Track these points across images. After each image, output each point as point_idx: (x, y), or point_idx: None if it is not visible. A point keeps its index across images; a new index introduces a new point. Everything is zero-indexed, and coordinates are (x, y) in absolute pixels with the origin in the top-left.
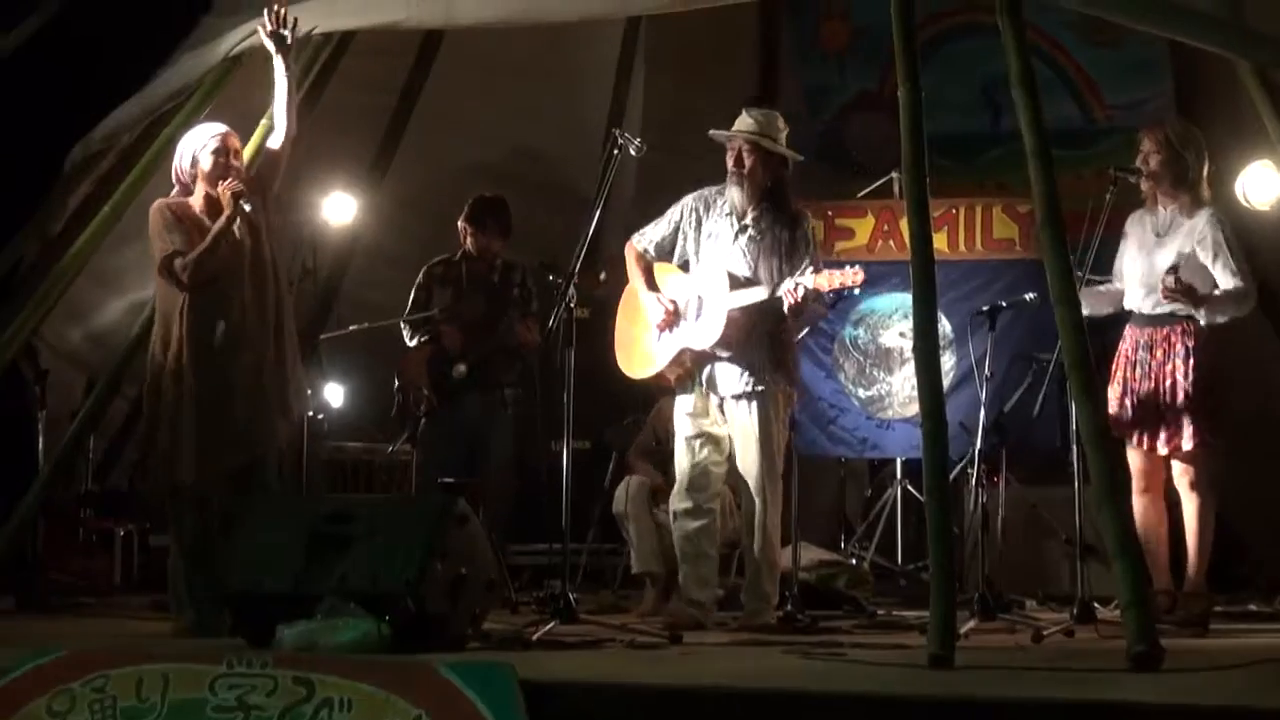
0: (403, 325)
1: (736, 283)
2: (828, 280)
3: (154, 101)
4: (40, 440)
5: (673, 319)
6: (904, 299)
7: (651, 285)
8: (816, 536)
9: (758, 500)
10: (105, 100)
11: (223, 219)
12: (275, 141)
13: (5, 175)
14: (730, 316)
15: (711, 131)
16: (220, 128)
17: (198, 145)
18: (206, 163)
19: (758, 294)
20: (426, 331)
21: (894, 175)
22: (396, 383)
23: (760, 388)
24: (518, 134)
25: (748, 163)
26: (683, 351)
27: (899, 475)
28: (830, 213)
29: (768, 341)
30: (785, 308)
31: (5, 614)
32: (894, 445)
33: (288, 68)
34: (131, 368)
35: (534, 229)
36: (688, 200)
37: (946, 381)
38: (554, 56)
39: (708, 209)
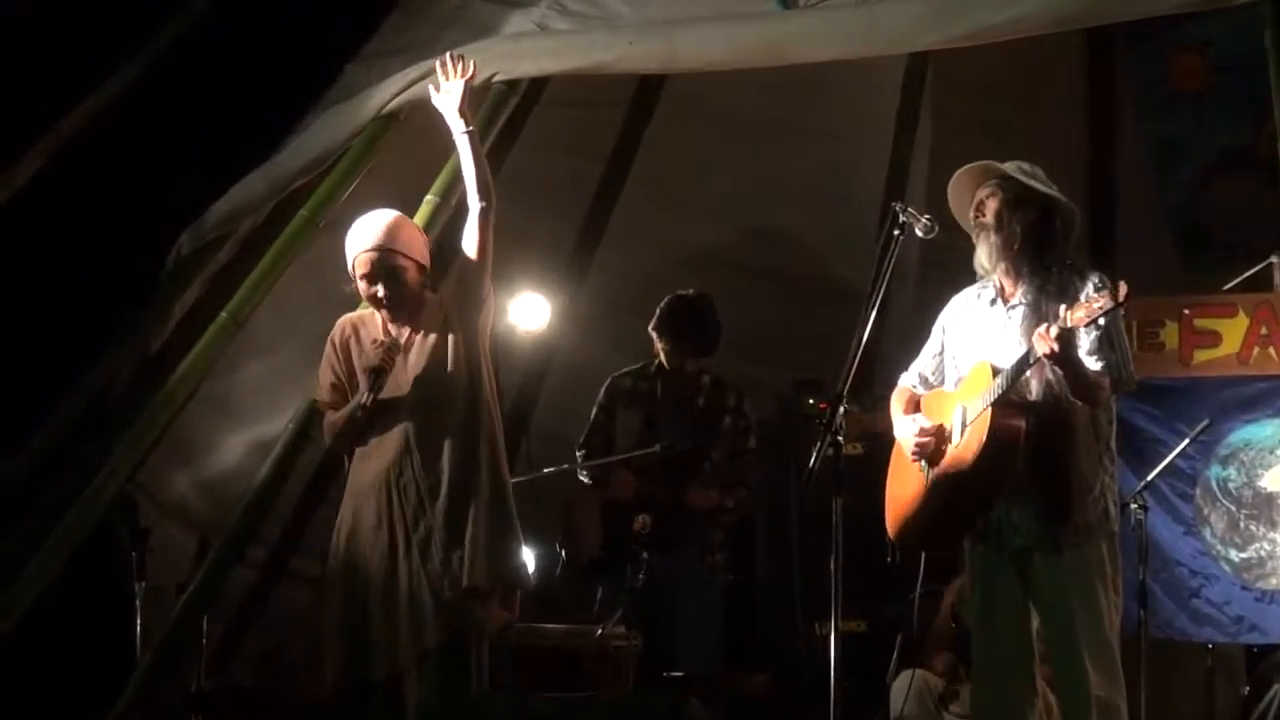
0: (577, 454)
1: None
2: (1085, 309)
3: (285, 175)
4: (138, 621)
5: (930, 441)
6: None
7: (910, 413)
8: None
9: (1090, 702)
10: (220, 174)
11: (356, 396)
12: (470, 237)
13: (92, 273)
14: (997, 422)
15: (897, 207)
16: (384, 220)
17: (351, 248)
18: (359, 279)
19: (1014, 368)
20: (596, 473)
21: (1274, 260)
22: (560, 536)
23: (1069, 532)
24: (763, 210)
25: (990, 208)
26: (953, 489)
27: None
28: (1186, 311)
29: (1070, 460)
30: (1058, 371)
31: None
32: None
33: (468, 126)
34: (257, 524)
35: (785, 335)
36: (947, 307)
37: None
38: (810, 109)
39: (967, 305)
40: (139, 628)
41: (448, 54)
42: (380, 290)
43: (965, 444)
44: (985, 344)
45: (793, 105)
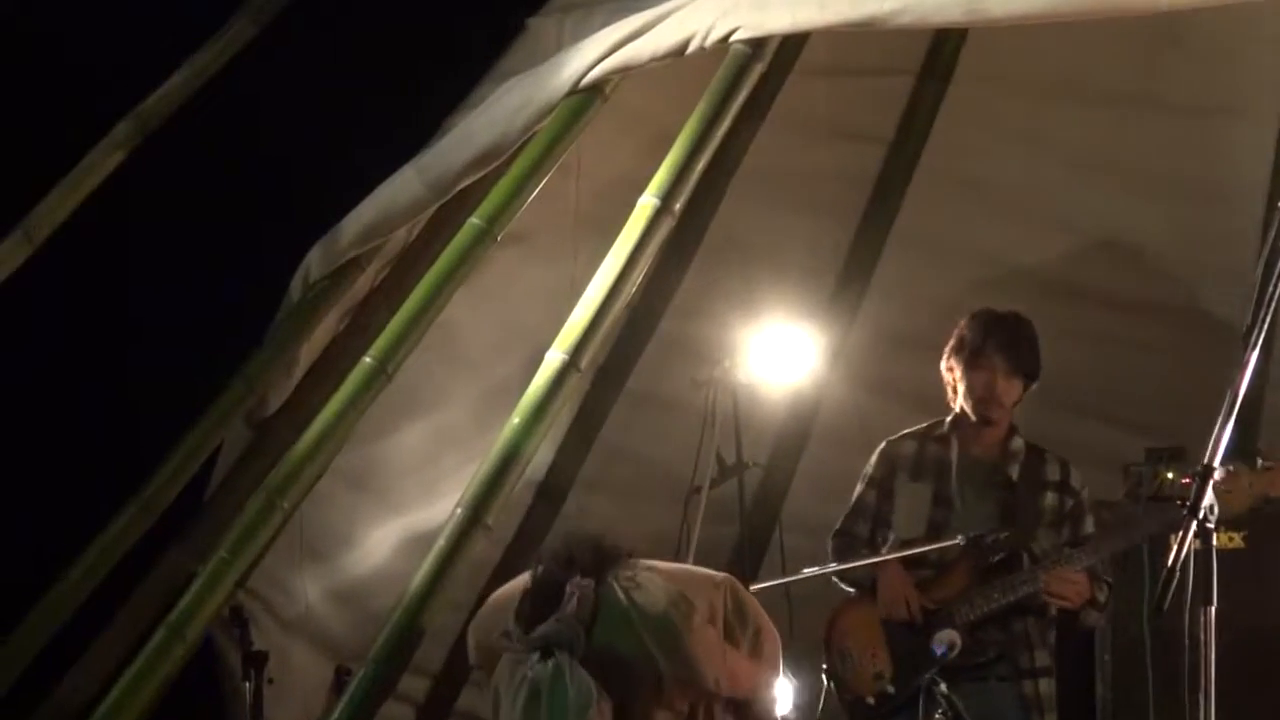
0: (829, 543)
1: None
2: None
3: (448, 171)
4: None
5: None
6: None
7: None
8: None
9: None
10: (356, 172)
11: None
12: None
13: (185, 305)
14: None
15: None
16: None
17: None
18: None
19: None
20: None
21: None
22: (823, 663)
23: None
24: (1101, 213)
25: None
26: None
27: None
28: None
29: None
30: None
31: None
32: None
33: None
34: (413, 645)
35: (1134, 387)
36: None
37: None
38: (1167, 76)
39: None
40: None
41: None
42: None
43: None
44: None
45: (1143, 70)
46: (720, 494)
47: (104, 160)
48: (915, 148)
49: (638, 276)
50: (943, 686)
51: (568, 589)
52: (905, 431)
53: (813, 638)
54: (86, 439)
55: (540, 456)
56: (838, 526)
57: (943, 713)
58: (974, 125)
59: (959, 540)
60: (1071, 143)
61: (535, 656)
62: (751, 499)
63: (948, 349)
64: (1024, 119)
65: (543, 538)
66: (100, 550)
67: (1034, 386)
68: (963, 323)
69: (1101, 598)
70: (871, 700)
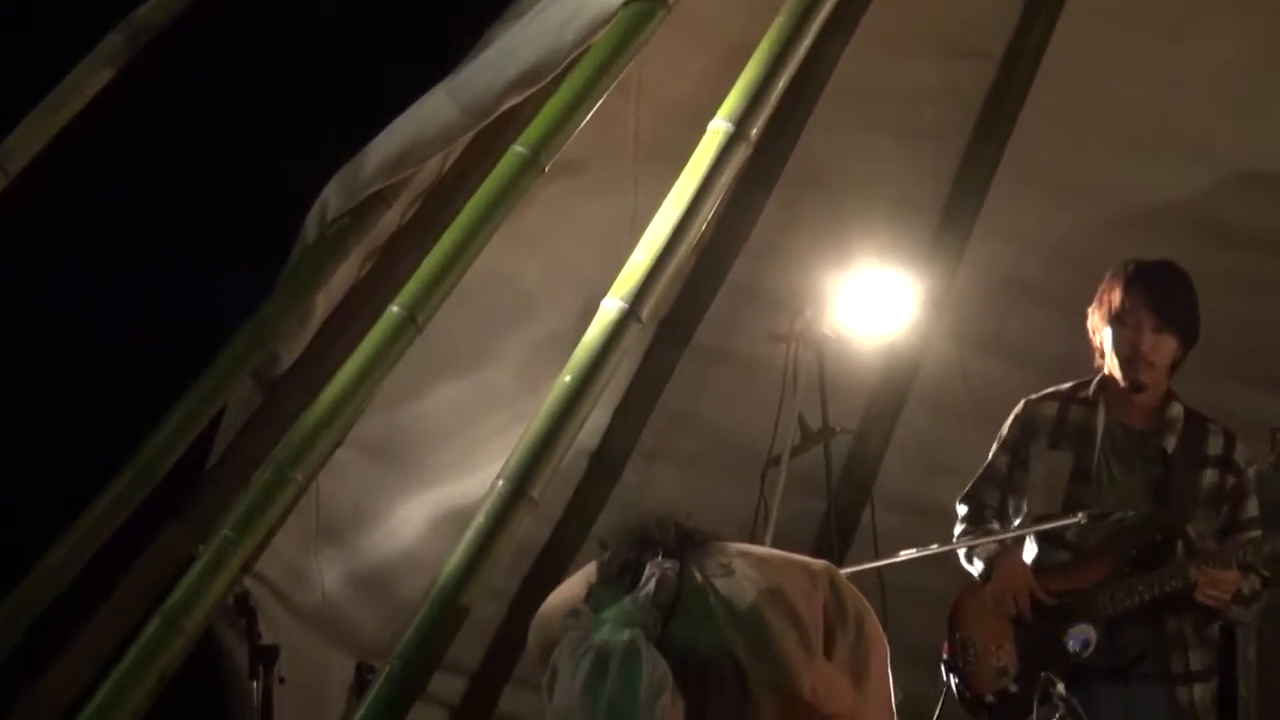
0: (959, 525)
1: None
2: None
3: (487, 91)
4: None
5: None
6: None
7: None
8: None
9: None
10: (382, 90)
11: None
12: None
13: (181, 249)
14: None
15: None
16: None
17: None
18: None
19: None
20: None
21: None
22: (945, 650)
23: None
24: (1247, 145)
25: None
26: None
27: None
28: None
29: None
30: None
31: None
32: None
33: None
34: (447, 638)
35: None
36: None
37: None
38: None
39: None
40: None
41: None
42: None
43: None
44: None
45: None
46: (802, 464)
47: (89, 79)
48: (1029, 65)
49: (708, 213)
50: (1060, 687)
51: (647, 569)
52: (1047, 390)
53: (910, 632)
54: (70, 401)
55: (594, 421)
56: (966, 490)
57: (1060, 717)
58: (1097, 39)
59: (1078, 518)
60: (1210, 60)
61: (607, 628)
62: (839, 470)
63: (1092, 305)
64: (1155, 33)
65: (596, 514)
66: (86, 528)
67: (1194, 348)
68: (1108, 274)
69: (1247, 591)
70: (991, 699)
